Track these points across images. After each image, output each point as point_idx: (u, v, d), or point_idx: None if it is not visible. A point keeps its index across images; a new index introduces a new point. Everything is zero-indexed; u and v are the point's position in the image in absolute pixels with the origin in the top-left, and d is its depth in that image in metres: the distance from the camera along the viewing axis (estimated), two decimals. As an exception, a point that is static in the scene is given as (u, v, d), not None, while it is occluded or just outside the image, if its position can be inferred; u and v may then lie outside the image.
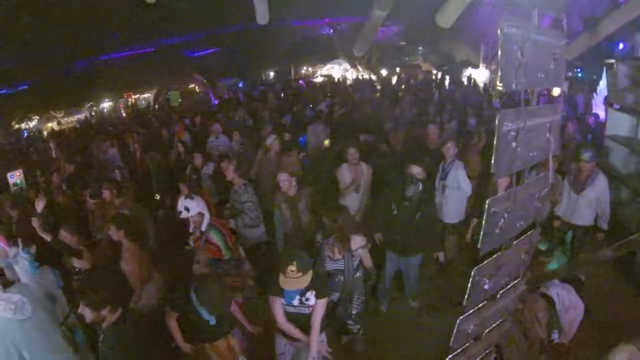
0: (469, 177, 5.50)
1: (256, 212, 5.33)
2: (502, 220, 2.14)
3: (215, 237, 4.41)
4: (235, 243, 4.71)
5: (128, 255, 4.25)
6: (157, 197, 6.98)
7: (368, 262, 4.19)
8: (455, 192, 5.43)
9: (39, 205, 5.12)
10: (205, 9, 18.30)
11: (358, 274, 4.11)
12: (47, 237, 4.37)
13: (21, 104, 22.47)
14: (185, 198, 4.42)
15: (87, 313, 2.78)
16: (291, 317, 3.38)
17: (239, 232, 5.35)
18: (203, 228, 4.43)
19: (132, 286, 4.23)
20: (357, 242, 4.00)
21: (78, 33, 19.40)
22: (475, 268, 2.16)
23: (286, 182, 4.98)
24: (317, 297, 3.29)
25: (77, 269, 4.48)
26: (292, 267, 3.06)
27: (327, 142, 7.48)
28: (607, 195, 5.09)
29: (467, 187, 5.39)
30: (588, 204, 5.16)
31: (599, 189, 5.05)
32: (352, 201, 5.64)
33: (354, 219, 4.95)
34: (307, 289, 3.23)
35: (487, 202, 2.00)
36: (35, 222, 4.40)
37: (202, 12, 18.37)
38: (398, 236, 4.71)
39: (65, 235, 4.40)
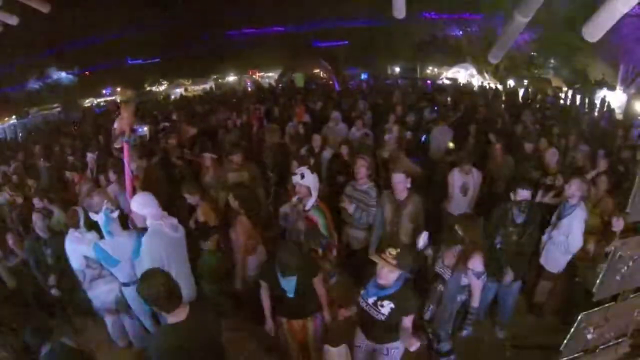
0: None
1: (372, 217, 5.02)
2: (626, 267, 1.89)
3: (315, 215, 4.46)
4: (333, 230, 4.72)
5: (239, 227, 4.47)
6: (270, 174, 6.95)
7: (476, 300, 3.63)
8: (562, 240, 4.52)
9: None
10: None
11: (459, 298, 3.66)
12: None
13: (154, 71, 25.05)
14: (307, 167, 4.50)
15: None
16: (362, 314, 3.29)
17: (349, 231, 5.23)
18: (307, 207, 4.49)
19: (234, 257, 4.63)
20: (477, 264, 3.53)
21: (209, 8, 21.01)
22: (584, 313, 1.95)
23: (401, 183, 4.58)
24: (402, 313, 3.09)
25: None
26: (393, 252, 2.96)
27: (451, 145, 7.21)
28: None
29: (575, 242, 4.41)
30: None
31: None
32: (458, 205, 5.47)
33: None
34: (387, 296, 3.10)
35: (613, 244, 1.78)
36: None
37: (333, 3, 18.73)
38: (503, 263, 4.33)
39: (188, 197, 5.03)
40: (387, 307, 3.09)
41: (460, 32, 19.63)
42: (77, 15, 16.85)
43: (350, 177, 5.34)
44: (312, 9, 19.51)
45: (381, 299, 3.11)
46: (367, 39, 20.81)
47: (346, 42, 21.73)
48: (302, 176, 4.39)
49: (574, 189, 4.48)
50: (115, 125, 4.53)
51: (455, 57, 21.90)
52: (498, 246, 4.34)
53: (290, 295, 3.56)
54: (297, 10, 19.73)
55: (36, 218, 5.04)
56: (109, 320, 4.84)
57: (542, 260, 4.78)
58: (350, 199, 4.95)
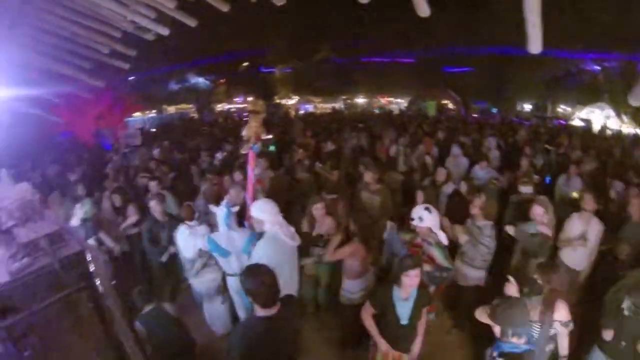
0: None
1: (489, 257, 4.92)
2: None
3: (435, 252, 4.44)
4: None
5: (349, 250, 4.55)
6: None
7: (564, 349, 3.47)
8: None
9: None
10: (466, 26, 18.26)
11: (548, 348, 3.42)
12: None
13: (285, 84, 26.61)
14: (425, 209, 4.49)
15: None
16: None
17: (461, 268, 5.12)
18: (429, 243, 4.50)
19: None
20: (563, 314, 3.37)
21: (344, 32, 21.88)
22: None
23: (540, 214, 4.76)
24: None
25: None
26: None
27: (575, 194, 6.64)
28: None
29: None
30: None
31: None
32: (576, 257, 5.17)
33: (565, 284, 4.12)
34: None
35: None
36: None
37: (463, 29, 18.37)
38: (625, 341, 3.69)
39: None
40: None
41: (597, 68, 17.98)
42: (220, 29, 18.41)
43: (467, 214, 5.22)
44: (443, 35, 19.34)
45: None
46: (497, 70, 20.08)
47: (473, 68, 21.21)
48: (421, 219, 4.44)
49: None
50: (244, 132, 4.87)
51: (590, 95, 20.11)
52: (626, 313, 3.69)
53: (404, 322, 3.59)
54: (428, 36, 19.71)
55: (153, 203, 5.68)
56: (207, 306, 5.25)
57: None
58: (464, 233, 4.97)
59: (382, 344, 3.73)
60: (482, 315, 2.91)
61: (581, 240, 5.07)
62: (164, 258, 5.62)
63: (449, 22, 16.94)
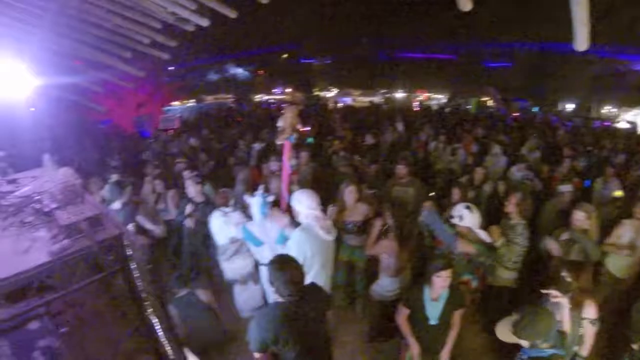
0: None
1: (520, 257, 4.77)
2: None
3: (473, 248, 4.41)
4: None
5: (382, 245, 4.54)
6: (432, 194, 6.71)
7: (586, 349, 3.35)
8: None
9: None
10: (509, 21, 17.77)
11: (575, 348, 3.36)
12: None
13: (326, 76, 26.70)
14: (465, 207, 4.47)
15: None
16: None
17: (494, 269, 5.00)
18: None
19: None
20: (592, 311, 3.30)
21: (385, 26, 21.75)
22: None
23: (581, 220, 4.51)
24: None
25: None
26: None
27: (618, 193, 6.50)
28: None
29: None
30: None
31: None
32: (621, 264, 4.97)
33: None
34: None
35: None
36: None
37: (505, 24, 17.89)
38: None
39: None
40: None
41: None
42: (259, 20, 18.56)
43: (504, 216, 5.06)
44: (485, 30, 18.91)
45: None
46: (540, 67, 19.46)
47: (515, 65, 20.71)
48: (461, 218, 4.42)
49: None
50: (279, 123, 4.87)
51: (637, 97, 19.28)
52: None
53: (433, 322, 3.62)
54: (469, 32, 19.33)
55: (189, 182, 5.80)
56: (237, 290, 5.32)
57: None
58: (499, 235, 4.78)
59: (415, 347, 3.76)
60: (505, 334, 2.84)
61: (628, 250, 4.87)
62: (188, 223, 5.70)
63: (491, 17, 16.54)
